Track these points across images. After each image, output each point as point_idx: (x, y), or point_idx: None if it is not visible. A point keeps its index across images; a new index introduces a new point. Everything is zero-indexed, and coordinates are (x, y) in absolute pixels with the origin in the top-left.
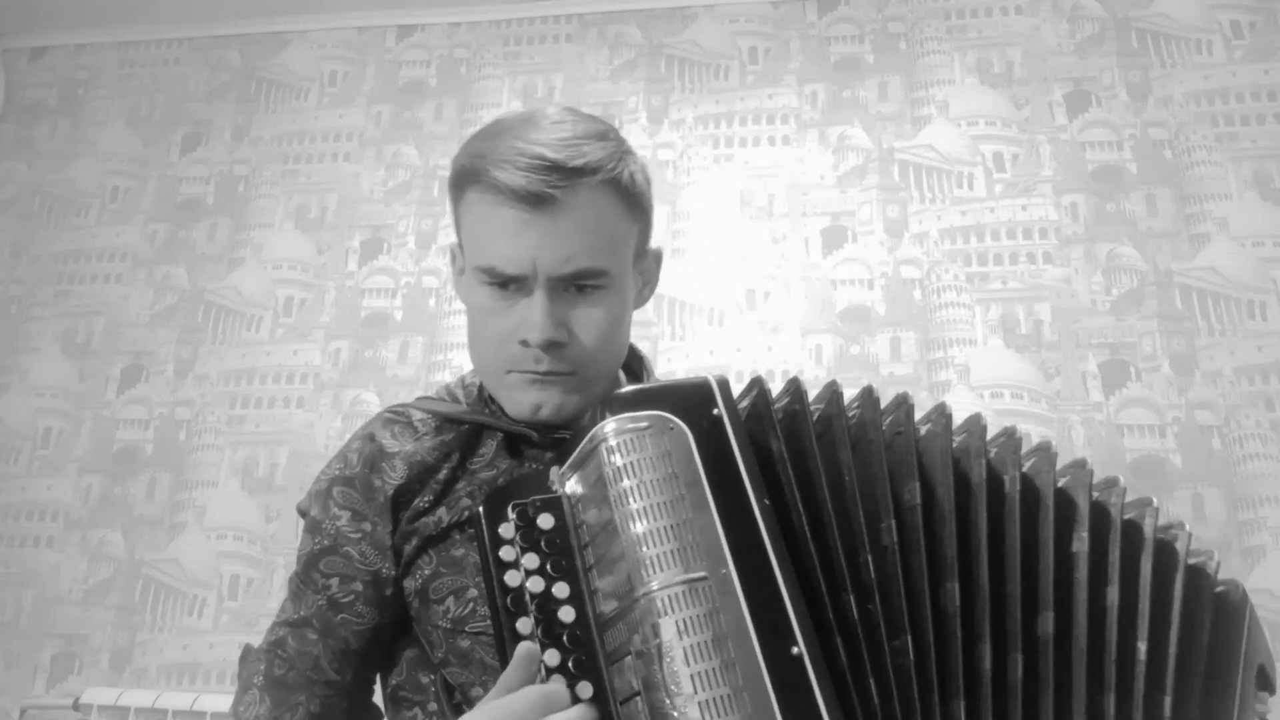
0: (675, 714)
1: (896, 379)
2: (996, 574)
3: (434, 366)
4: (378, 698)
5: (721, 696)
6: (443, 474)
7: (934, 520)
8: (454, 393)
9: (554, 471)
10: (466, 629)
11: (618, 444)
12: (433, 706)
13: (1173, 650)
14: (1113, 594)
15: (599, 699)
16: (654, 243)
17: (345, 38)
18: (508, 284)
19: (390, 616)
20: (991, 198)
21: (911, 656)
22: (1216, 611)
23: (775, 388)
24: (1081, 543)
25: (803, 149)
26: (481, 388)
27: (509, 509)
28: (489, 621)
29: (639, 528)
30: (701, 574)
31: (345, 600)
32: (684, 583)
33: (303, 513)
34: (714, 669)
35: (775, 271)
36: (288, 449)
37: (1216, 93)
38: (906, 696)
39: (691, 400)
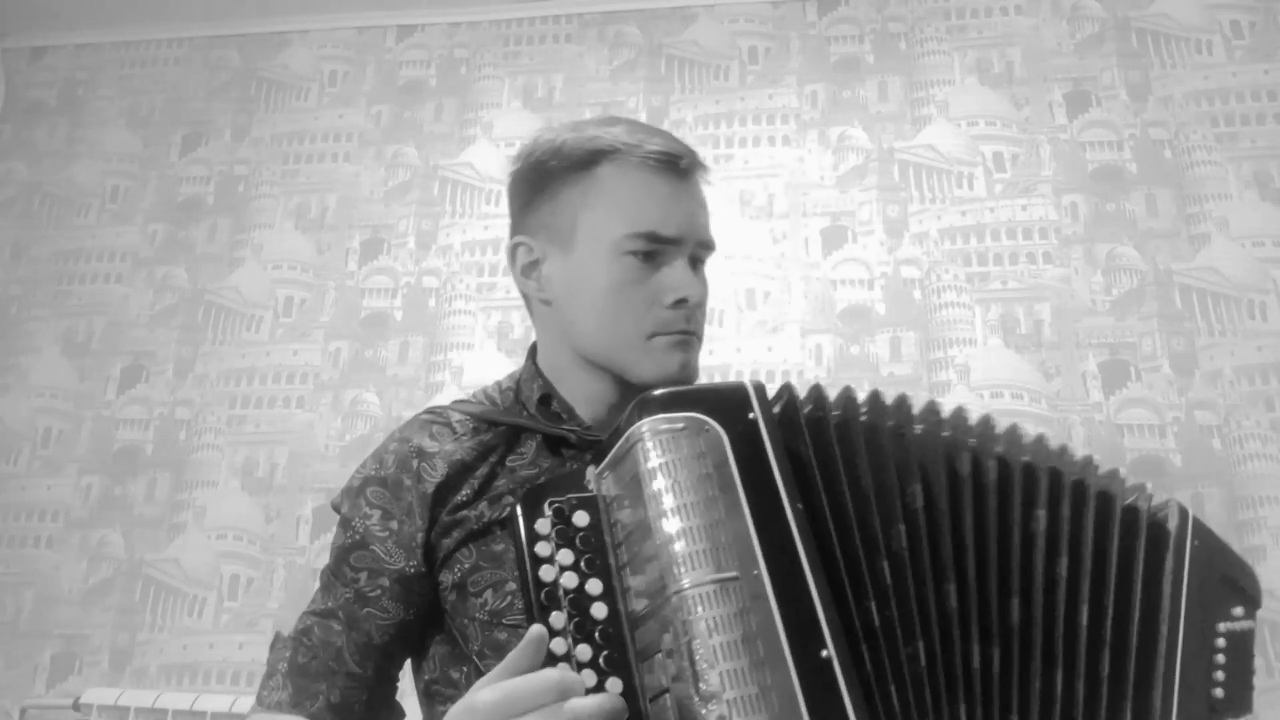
0: (703, 711)
1: (896, 379)
2: (981, 568)
3: (434, 366)
4: (400, 696)
5: (749, 695)
6: (482, 470)
7: (934, 520)
8: (491, 396)
9: (590, 471)
10: (504, 621)
11: (654, 444)
12: None
13: (1110, 605)
14: (1063, 566)
15: (629, 695)
16: None
17: (345, 38)
18: (653, 252)
19: (416, 613)
20: (991, 198)
21: (923, 662)
22: (1151, 545)
23: (795, 390)
24: (1039, 521)
25: (803, 149)
26: (519, 391)
27: (546, 505)
28: (525, 615)
29: (672, 526)
30: (733, 574)
31: (372, 595)
32: (716, 582)
33: (336, 508)
34: (743, 668)
35: (775, 271)
36: (288, 449)
37: (1216, 93)
38: (921, 702)
39: (728, 404)
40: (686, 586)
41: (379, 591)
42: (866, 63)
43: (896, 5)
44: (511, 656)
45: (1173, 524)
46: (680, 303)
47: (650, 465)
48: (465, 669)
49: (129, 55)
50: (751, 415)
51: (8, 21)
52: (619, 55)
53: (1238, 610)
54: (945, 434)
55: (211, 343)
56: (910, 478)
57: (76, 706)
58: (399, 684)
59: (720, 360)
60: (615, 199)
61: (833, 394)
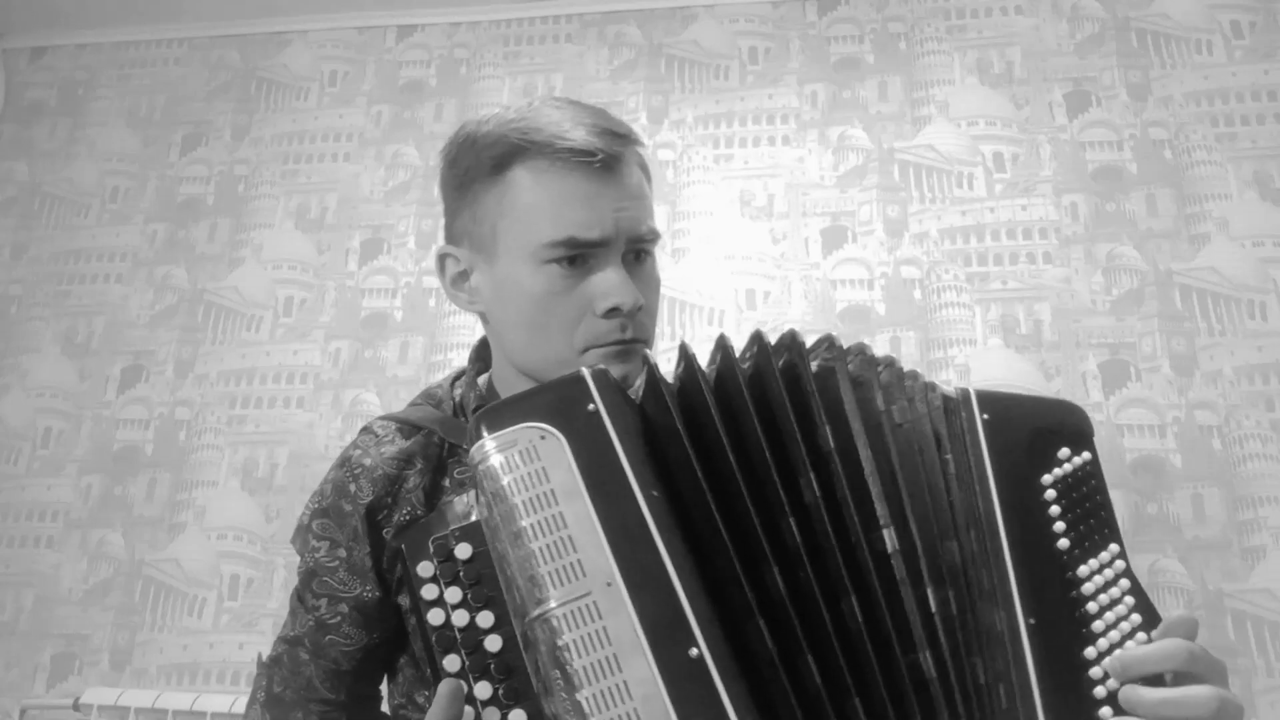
0: None
1: None
2: (917, 509)
3: (434, 366)
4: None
5: (619, 716)
6: (410, 482)
7: (852, 463)
8: (429, 396)
9: (469, 497)
10: None
11: (497, 463)
12: None
13: (903, 494)
14: (958, 495)
15: None
16: None
17: (345, 38)
18: (578, 257)
19: (382, 636)
20: (991, 198)
21: (860, 618)
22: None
23: (652, 360)
24: (950, 465)
25: (803, 149)
26: (459, 398)
27: (430, 543)
28: None
29: (524, 549)
30: (585, 590)
31: (333, 622)
32: (570, 601)
33: (294, 545)
34: (610, 688)
35: (775, 271)
36: (288, 449)
37: (1216, 93)
38: (861, 661)
39: (563, 402)
40: (549, 608)
41: (339, 618)
42: (866, 63)
43: (896, 5)
44: (429, 715)
45: (963, 412)
46: (613, 311)
47: (501, 484)
48: (428, 693)
49: (129, 55)
50: (591, 407)
51: (8, 21)
52: (619, 55)
53: (1063, 452)
54: (852, 369)
55: (211, 343)
56: (814, 421)
57: (76, 706)
58: (381, 698)
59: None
60: (529, 205)
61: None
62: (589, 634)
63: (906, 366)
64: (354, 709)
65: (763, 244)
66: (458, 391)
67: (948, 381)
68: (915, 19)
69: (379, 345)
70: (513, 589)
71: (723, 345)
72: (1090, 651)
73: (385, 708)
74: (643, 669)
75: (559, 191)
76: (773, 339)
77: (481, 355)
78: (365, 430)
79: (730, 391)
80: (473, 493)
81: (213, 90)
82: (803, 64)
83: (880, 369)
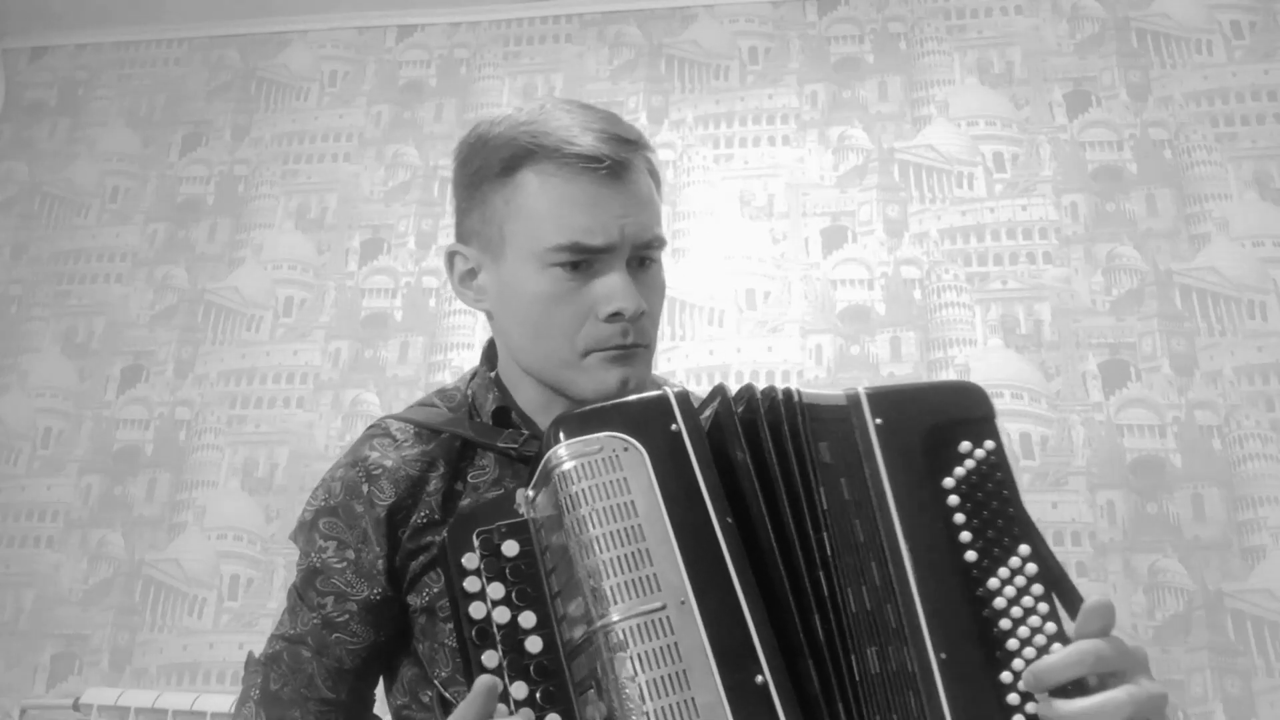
0: None
1: (896, 379)
2: (848, 556)
3: (434, 366)
4: (379, 709)
5: None
6: (432, 485)
7: (845, 514)
8: (432, 400)
9: (520, 494)
10: None
11: (572, 468)
12: None
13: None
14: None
15: None
16: None
17: (345, 38)
18: (582, 262)
19: (388, 635)
20: (991, 198)
21: (876, 665)
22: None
23: (728, 391)
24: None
25: (803, 149)
26: (474, 398)
27: (474, 537)
28: None
29: (595, 557)
30: (659, 604)
31: (340, 620)
32: (641, 615)
33: (294, 541)
34: (673, 705)
35: (775, 271)
36: (288, 449)
37: (1216, 93)
38: (879, 707)
39: (647, 417)
40: (615, 620)
41: (346, 616)
42: (866, 63)
43: (896, 5)
44: (461, 709)
45: (855, 420)
46: (615, 316)
47: (571, 491)
48: (432, 693)
49: (129, 55)
50: (674, 427)
51: (8, 21)
52: (619, 55)
53: (964, 446)
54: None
55: (211, 343)
56: (819, 473)
57: (76, 706)
58: (374, 701)
59: (720, 360)
60: (537, 209)
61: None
62: (659, 648)
63: (907, 367)
64: (352, 710)
65: (763, 244)
66: (471, 391)
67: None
68: (915, 19)
69: (379, 345)
70: (574, 594)
71: (772, 397)
72: (1006, 676)
73: (378, 709)
74: (710, 689)
75: (565, 196)
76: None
77: (490, 355)
78: (380, 432)
79: (782, 440)
80: (525, 491)
81: (213, 90)
82: (803, 64)
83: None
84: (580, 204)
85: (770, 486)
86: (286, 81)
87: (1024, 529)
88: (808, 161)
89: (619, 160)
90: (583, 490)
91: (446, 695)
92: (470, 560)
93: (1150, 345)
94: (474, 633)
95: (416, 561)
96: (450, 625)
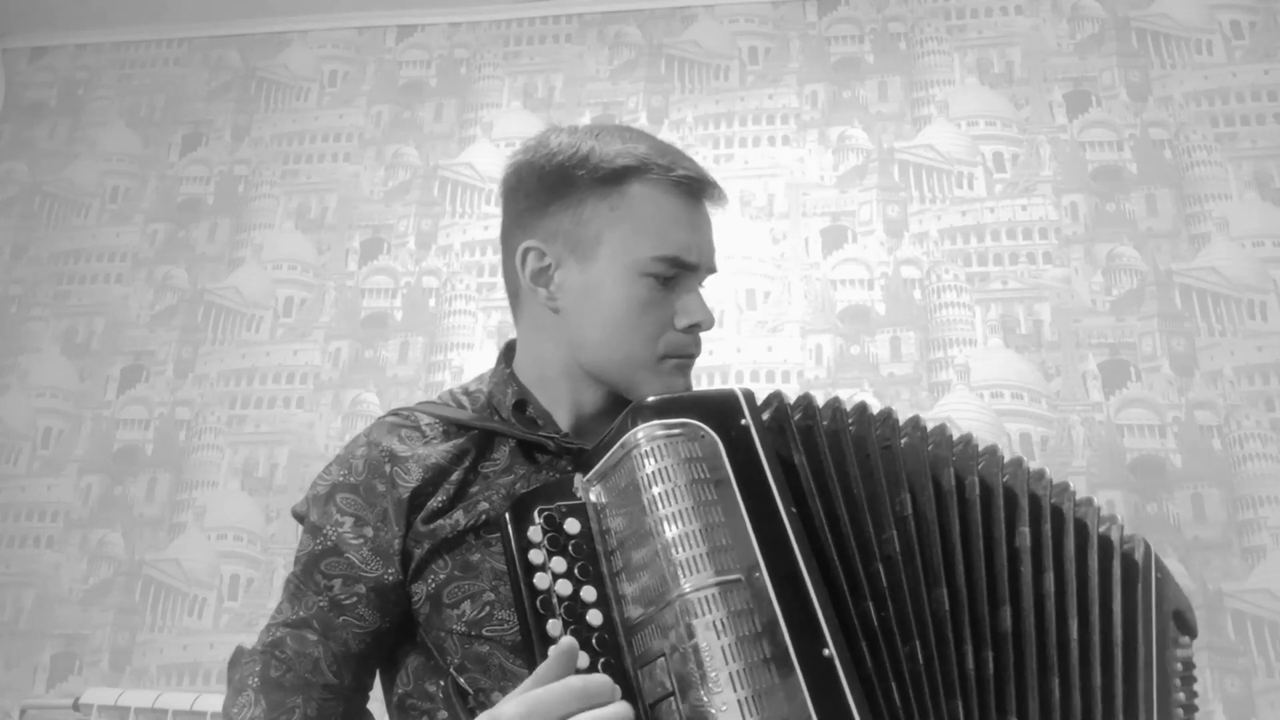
0: (713, 711)
1: (896, 379)
2: (970, 576)
3: (434, 366)
4: (373, 704)
5: (758, 693)
6: (455, 475)
7: (922, 529)
8: (458, 399)
9: (578, 479)
10: (484, 632)
11: (650, 449)
12: (442, 714)
13: (1096, 623)
14: (1049, 581)
15: (628, 701)
16: None
17: (345, 38)
18: (671, 275)
19: (392, 622)
20: (991, 198)
21: (920, 661)
22: (1125, 575)
23: (788, 391)
24: (1024, 537)
25: (803, 149)
26: (491, 396)
27: (535, 513)
28: (505, 625)
29: (672, 532)
30: (736, 575)
31: (348, 602)
32: (718, 584)
33: (299, 517)
34: (750, 666)
35: (775, 271)
36: (288, 449)
37: (1216, 93)
38: (920, 699)
39: (720, 410)
40: (689, 590)
41: (355, 599)
42: (866, 63)
43: (896, 5)
44: (541, 669)
45: (1139, 555)
46: (694, 327)
47: (648, 470)
48: (442, 682)
49: (129, 55)
50: (744, 421)
51: (8, 21)
52: (619, 55)
53: (1185, 639)
54: (929, 448)
55: (211, 343)
56: (898, 487)
57: (76, 706)
58: (371, 691)
59: (720, 360)
60: (643, 219)
61: (821, 401)
62: (734, 615)
63: (907, 367)
64: (353, 698)
65: (763, 244)
66: (488, 389)
67: (947, 382)
68: (915, 19)
69: (379, 345)
70: (635, 575)
71: (835, 406)
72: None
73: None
74: (784, 655)
75: (673, 213)
76: (885, 399)
77: (508, 356)
78: (410, 425)
79: (842, 447)
80: (582, 477)
81: (213, 90)
82: (803, 64)
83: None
84: (683, 222)
85: (827, 488)
86: (286, 81)
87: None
88: (808, 161)
89: (717, 190)
90: (663, 468)
91: (461, 682)
92: (534, 534)
93: (1150, 345)
94: (537, 602)
95: (422, 547)
96: (457, 612)
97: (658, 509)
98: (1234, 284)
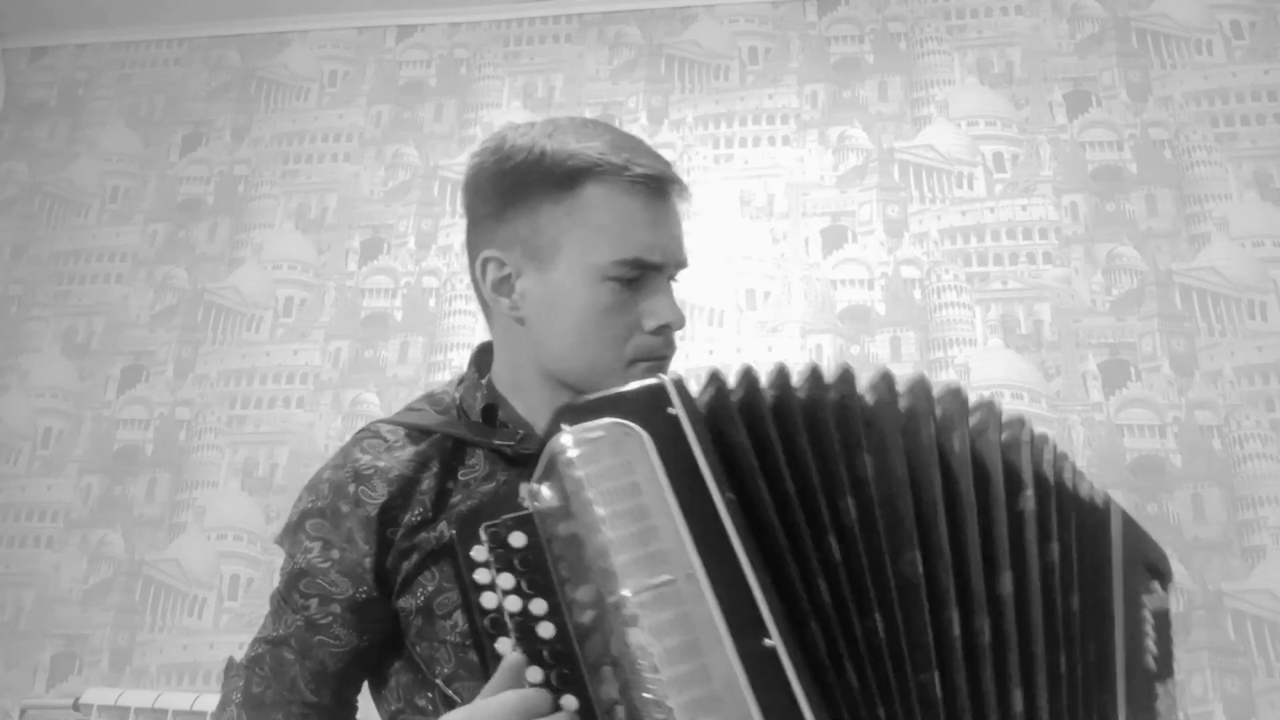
0: (656, 718)
1: None
2: (955, 538)
3: (434, 366)
4: (362, 715)
5: (699, 697)
6: (425, 484)
7: (889, 490)
8: (437, 400)
9: (524, 487)
10: None
11: (576, 455)
12: None
13: (1089, 589)
14: (1054, 551)
15: (585, 711)
16: None
17: (345, 38)
18: (634, 277)
19: (372, 640)
20: (991, 198)
21: (882, 634)
22: (1097, 530)
23: (723, 376)
24: (1028, 501)
25: (803, 149)
26: (461, 401)
27: (481, 530)
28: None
29: (604, 537)
30: (668, 577)
31: (323, 622)
32: (651, 588)
33: (280, 544)
34: (689, 671)
35: (775, 271)
36: (288, 449)
37: (1216, 93)
38: (881, 674)
39: (645, 403)
40: (626, 594)
41: (330, 619)
42: (866, 63)
43: (896, 5)
44: (487, 686)
45: (1111, 514)
46: (663, 328)
47: (576, 476)
48: (431, 695)
49: (129, 55)
50: (672, 411)
51: (8, 21)
52: (619, 55)
53: (1155, 585)
54: (904, 404)
55: (211, 343)
56: (856, 450)
57: (76, 706)
58: (357, 708)
59: (720, 360)
60: (601, 223)
61: (768, 373)
62: (671, 619)
63: (907, 367)
64: (336, 713)
65: (763, 244)
66: (459, 394)
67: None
68: (915, 19)
69: (379, 345)
70: (582, 579)
71: (780, 371)
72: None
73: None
74: (722, 654)
75: (631, 214)
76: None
77: (480, 360)
78: (371, 434)
79: (790, 416)
80: (528, 485)
81: (213, 90)
82: (803, 64)
83: (950, 402)
84: (643, 222)
85: (773, 463)
86: (286, 81)
87: (1172, 667)
88: (808, 161)
89: (678, 185)
90: (588, 474)
91: (449, 692)
92: (479, 553)
93: (1150, 345)
94: (487, 622)
95: (409, 561)
96: (449, 623)
97: (589, 514)
98: (1234, 284)
